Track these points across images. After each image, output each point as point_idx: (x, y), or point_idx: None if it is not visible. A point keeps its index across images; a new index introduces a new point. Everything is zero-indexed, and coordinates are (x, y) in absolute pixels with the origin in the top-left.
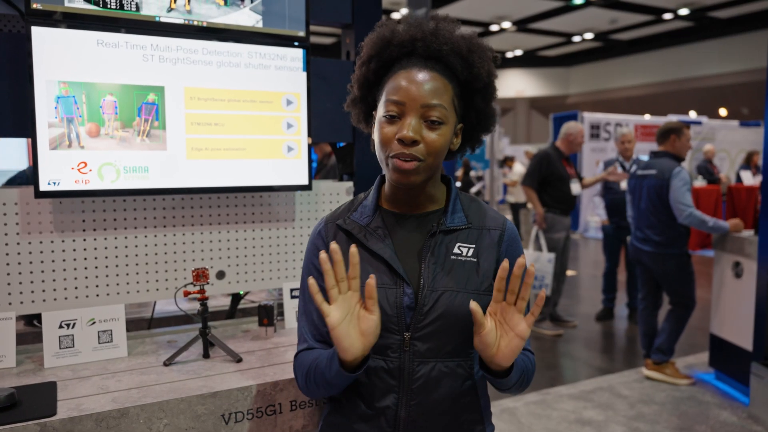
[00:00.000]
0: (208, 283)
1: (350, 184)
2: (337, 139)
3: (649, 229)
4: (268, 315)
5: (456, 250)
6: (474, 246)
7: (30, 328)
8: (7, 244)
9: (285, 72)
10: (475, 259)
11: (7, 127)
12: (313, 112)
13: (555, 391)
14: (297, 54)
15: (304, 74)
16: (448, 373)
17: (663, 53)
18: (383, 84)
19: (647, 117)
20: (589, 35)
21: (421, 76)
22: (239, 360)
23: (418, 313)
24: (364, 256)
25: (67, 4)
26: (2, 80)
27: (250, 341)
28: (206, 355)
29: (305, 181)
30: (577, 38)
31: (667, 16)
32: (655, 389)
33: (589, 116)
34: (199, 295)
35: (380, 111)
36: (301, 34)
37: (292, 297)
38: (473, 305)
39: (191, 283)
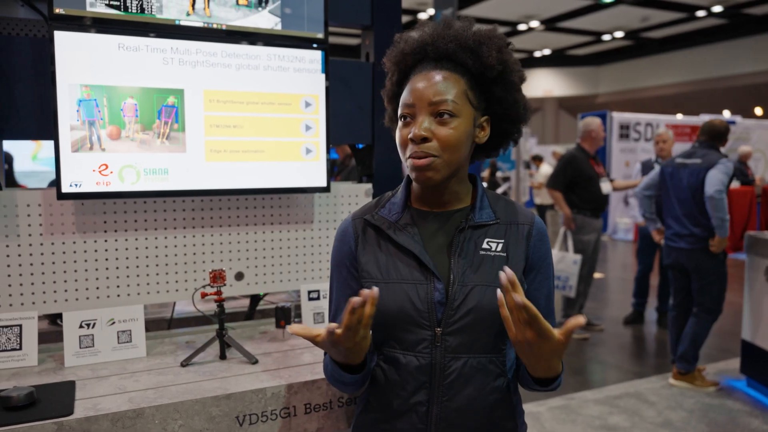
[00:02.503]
0: (225, 285)
1: (369, 185)
2: (356, 141)
3: (687, 218)
4: (285, 317)
5: (485, 246)
6: (503, 241)
7: (53, 327)
8: (30, 245)
9: (304, 74)
10: (505, 254)
11: (31, 130)
12: (332, 113)
13: (580, 395)
14: (316, 56)
15: (323, 76)
16: (480, 368)
17: (696, 51)
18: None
19: (679, 116)
20: (619, 33)
21: (431, 76)
22: (255, 362)
23: (449, 308)
24: (393, 251)
25: (89, 9)
26: (26, 84)
27: (267, 343)
28: (223, 357)
29: (324, 183)
30: (606, 37)
31: (701, 13)
32: (683, 396)
33: (618, 116)
34: (216, 297)
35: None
36: (320, 36)
37: (310, 299)
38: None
39: (209, 285)
